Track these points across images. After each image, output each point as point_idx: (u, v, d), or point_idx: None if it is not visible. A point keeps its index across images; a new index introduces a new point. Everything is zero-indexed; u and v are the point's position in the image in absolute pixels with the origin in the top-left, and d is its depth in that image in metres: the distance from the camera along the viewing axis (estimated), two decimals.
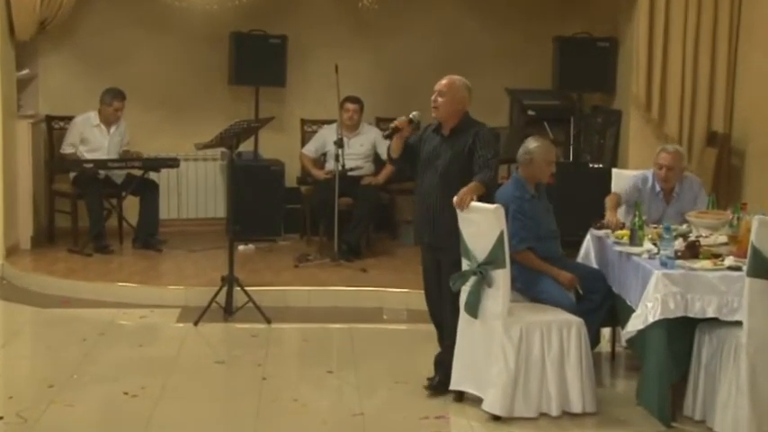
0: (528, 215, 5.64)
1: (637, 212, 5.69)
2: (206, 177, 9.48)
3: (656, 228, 5.84)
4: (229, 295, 6.94)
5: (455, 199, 5.20)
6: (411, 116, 5.51)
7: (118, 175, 8.66)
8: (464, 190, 5.21)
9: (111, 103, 8.51)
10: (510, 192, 5.68)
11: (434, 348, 5.63)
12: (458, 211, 5.24)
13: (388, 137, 5.56)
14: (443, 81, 5.47)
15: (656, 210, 6.30)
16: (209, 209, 9.51)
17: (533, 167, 5.71)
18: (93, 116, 8.56)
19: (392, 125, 5.53)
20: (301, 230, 9.12)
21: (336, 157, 8.12)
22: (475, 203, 5.22)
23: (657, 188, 6.34)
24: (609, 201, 6.32)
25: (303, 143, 9.15)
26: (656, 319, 4.98)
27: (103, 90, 8.55)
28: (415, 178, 5.63)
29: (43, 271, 7.85)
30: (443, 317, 5.53)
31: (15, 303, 7.34)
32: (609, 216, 6.13)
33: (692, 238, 5.56)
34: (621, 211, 6.28)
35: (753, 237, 4.83)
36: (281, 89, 9.28)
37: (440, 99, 5.42)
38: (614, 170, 7.00)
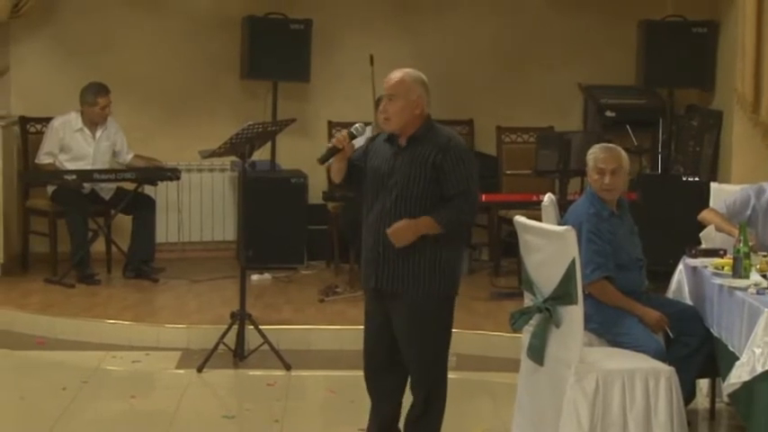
0: (605, 238, 5.62)
1: (742, 236, 5.66)
2: (212, 192, 9.55)
3: (765, 256, 5.82)
4: (240, 336, 6.98)
5: (389, 230, 4.97)
6: (352, 130, 5.20)
7: (106, 190, 8.73)
8: (404, 223, 4.95)
9: (95, 101, 8.52)
10: (583, 209, 5.68)
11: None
12: (519, 233, 5.23)
13: (324, 160, 5.33)
14: (391, 79, 5.07)
15: None
16: (217, 230, 9.57)
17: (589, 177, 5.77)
18: (75, 118, 8.60)
19: (329, 145, 5.27)
20: (328, 257, 9.18)
21: None
22: (540, 224, 5.23)
23: None
24: (709, 214, 6.32)
25: None
26: (766, 368, 4.94)
27: (82, 88, 8.57)
28: (362, 204, 5.33)
29: (14, 305, 7.93)
30: (390, 386, 5.36)
31: None
32: (722, 224, 6.12)
33: None
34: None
35: None
36: (305, 85, 9.35)
37: (390, 107, 5.04)
38: (713, 185, 6.97)
